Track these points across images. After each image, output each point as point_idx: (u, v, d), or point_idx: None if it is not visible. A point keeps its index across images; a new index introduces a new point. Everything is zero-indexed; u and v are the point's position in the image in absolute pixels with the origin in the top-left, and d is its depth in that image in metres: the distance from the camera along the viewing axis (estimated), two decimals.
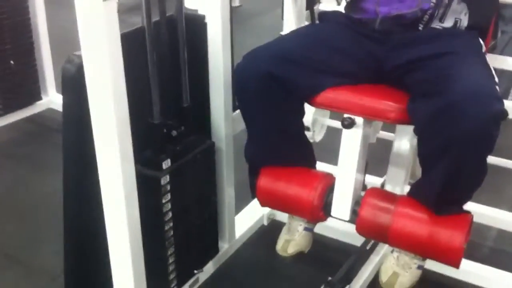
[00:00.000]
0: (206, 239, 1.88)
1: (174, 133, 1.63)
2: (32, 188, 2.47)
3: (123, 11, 4.23)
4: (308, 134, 2.04)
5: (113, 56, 1.30)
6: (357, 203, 1.56)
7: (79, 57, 1.37)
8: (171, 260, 1.69)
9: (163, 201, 1.60)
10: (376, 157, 1.74)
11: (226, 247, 1.98)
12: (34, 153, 2.76)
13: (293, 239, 1.72)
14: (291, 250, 1.71)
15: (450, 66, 1.39)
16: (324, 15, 1.74)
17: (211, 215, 1.87)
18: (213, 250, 1.94)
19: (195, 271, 1.83)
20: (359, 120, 1.51)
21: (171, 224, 1.65)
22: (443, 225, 1.44)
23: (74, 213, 1.61)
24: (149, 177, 1.57)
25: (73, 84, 1.44)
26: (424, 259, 1.57)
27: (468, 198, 1.48)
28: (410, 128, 1.70)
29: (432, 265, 1.77)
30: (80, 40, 1.31)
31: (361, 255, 1.90)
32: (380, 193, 1.59)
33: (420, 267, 1.57)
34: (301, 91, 1.53)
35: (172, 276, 1.72)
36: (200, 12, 1.71)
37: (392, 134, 1.83)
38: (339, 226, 1.99)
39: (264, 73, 1.48)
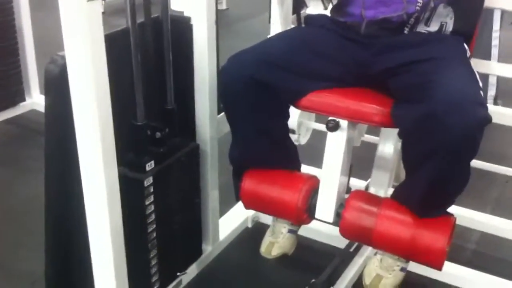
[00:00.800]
0: (190, 241, 1.87)
1: (158, 135, 1.62)
2: (14, 190, 2.44)
3: (110, 13, 4.23)
4: (293, 137, 2.05)
5: (96, 56, 1.29)
6: (341, 205, 1.56)
7: (63, 57, 1.36)
8: (153, 262, 1.68)
9: (146, 203, 1.59)
10: (360, 160, 1.75)
11: (209, 250, 1.97)
12: (16, 155, 2.74)
13: (277, 242, 1.72)
14: (275, 252, 1.72)
15: (434, 71, 1.40)
16: (310, 18, 1.74)
17: (194, 217, 1.87)
18: (197, 252, 1.93)
19: (178, 274, 1.82)
20: (343, 123, 1.52)
21: (154, 226, 1.64)
22: (426, 227, 1.45)
23: (55, 216, 1.60)
24: (132, 179, 1.56)
25: (56, 85, 1.43)
26: (407, 261, 1.57)
27: (451, 202, 1.49)
28: (394, 131, 1.71)
29: (415, 267, 1.78)
30: (63, 40, 1.30)
31: (345, 257, 1.90)
32: (364, 195, 1.59)
33: (403, 269, 1.58)
34: (285, 94, 1.53)
35: (154, 279, 1.71)
36: (186, 14, 1.70)
37: (376, 138, 1.84)
38: (323, 228, 1.99)
39: (248, 76, 1.48)
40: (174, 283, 1.82)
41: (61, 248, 1.63)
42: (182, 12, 1.72)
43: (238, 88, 1.51)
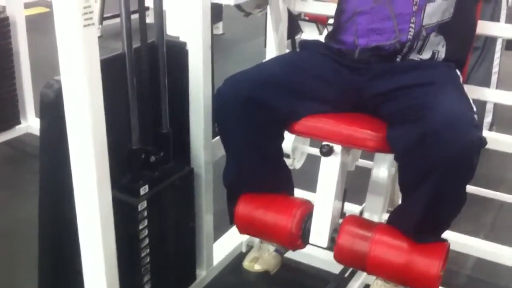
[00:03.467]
0: (183, 266, 1.86)
1: (152, 159, 1.62)
2: (7, 212, 2.43)
3: (107, 37, 4.25)
4: (288, 161, 2.05)
5: (92, 81, 1.30)
6: (335, 230, 1.56)
7: (58, 82, 1.36)
8: (147, 287, 1.67)
9: (140, 227, 1.59)
10: (354, 185, 1.75)
11: (203, 275, 1.96)
12: (11, 177, 2.73)
13: (261, 257, 1.70)
14: (258, 267, 1.69)
15: (428, 94, 1.41)
16: (305, 43, 1.76)
17: (188, 242, 1.86)
18: (190, 277, 1.92)
19: None
20: (337, 147, 1.52)
21: (148, 250, 1.63)
22: (420, 252, 1.44)
23: (49, 239, 1.59)
24: (126, 203, 1.56)
25: (51, 109, 1.44)
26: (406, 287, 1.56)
27: (446, 226, 1.49)
28: (389, 156, 1.72)
29: None
30: (59, 65, 1.31)
31: (339, 282, 1.89)
32: (358, 220, 1.59)
33: None
34: (280, 115, 1.54)
35: None
36: (182, 39, 1.72)
37: (370, 162, 1.85)
38: (317, 253, 1.99)
39: (244, 97, 1.49)
40: None
41: (54, 270, 1.62)
42: (178, 37, 1.73)
43: (233, 107, 1.51)
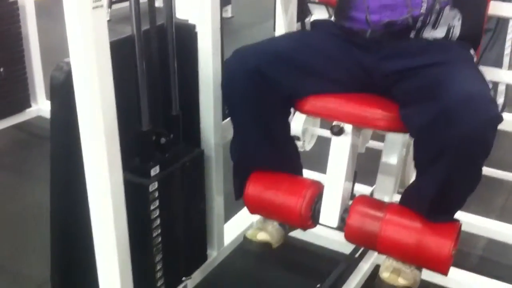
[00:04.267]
0: (195, 246, 1.87)
1: (163, 140, 1.62)
2: (19, 195, 2.45)
3: (116, 21, 4.25)
4: (298, 143, 2.05)
5: (101, 63, 1.30)
6: (346, 210, 1.56)
7: (68, 64, 1.36)
8: (158, 267, 1.68)
9: (151, 208, 1.59)
10: (365, 167, 1.75)
11: (214, 255, 1.97)
12: (22, 160, 2.75)
13: (265, 229, 1.68)
14: (261, 237, 1.66)
15: (443, 73, 1.40)
16: (316, 23, 1.74)
17: (199, 222, 1.87)
18: (202, 257, 1.93)
19: (183, 278, 1.82)
20: (348, 127, 1.52)
21: (159, 231, 1.64)
22: (431, 232, 1.44)
23: (61, 221, 1.60)
24: (137, 184, 1.56)
25: (61, 91, 1.44)
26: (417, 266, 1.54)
27: (460, 205, 1.47)
28: (399, 137, 1.72)
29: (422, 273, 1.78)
30: (69, 47, 1.31)
31: (350, 263, 1.90)
32: (369, 200, 1.59)
33: (419, 268, 1.54)
34: (286, 91, 1.53)
35: (159, 283, 1.70)
36: (191, 21, 1.71)
37: (381, 144, 1.84)
38: (327, 234, 2.00)
39: (252, 68, 1.48)
40: (179, 287, 1.82)
41: (67, 253, 1.63)
42: (187, 20, 1.73)
43: (241, 78, 1.50)
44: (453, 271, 1.86)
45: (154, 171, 1.59)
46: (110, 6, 4.63)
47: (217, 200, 1.90)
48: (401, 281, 1.47)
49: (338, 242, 1.94)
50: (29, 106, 2.99)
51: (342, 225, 1.55)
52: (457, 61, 1.47)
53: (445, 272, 1.46)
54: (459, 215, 1.50)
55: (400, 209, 1.51)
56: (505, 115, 2.22)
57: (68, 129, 1.44)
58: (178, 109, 1.69)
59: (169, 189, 1.65)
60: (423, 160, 1.43)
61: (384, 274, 1.50)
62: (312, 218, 1.59)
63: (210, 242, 1.96)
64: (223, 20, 1.76)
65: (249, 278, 2.00)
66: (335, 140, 1.54)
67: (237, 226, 2.13)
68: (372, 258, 1.92)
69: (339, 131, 1.51)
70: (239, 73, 1.50)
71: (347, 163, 1.54)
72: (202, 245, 1.92)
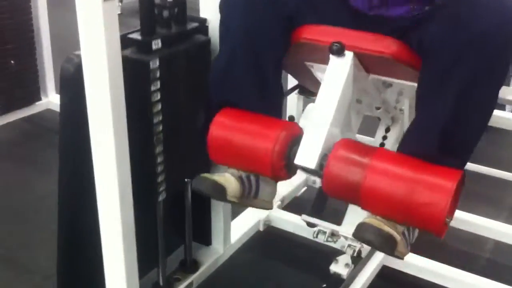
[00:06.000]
0: (197, 148, 1.56)
1: (166, 13, 1.48)
2: (28, 188, 2.46)
3: (127, 15, 4.24)
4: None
5: (111, 56, 1.30)
6: (326, 156, 1.30)
7: (78, 56, 1.37)
8: (159, 159, 1.53)
9: (152, 89, 1.46)
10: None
11: (221, 252, 1.97)
12: (31, 153, 2.76)
13: (223, 175, 1.43)
14: (216, 178, 1.40)
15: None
16: None
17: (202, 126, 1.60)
18: (207, 163, 1.64)
19: (186, 180, 1.68)
20: (349, 54, 1.31)
21: (160, 117, 1.49)
22: (425, 180, 1.21)
23: (69, 213, 1.60)
24: (137, 61, 1.43)
25: (71, 84, 1.44)
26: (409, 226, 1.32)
27: (471, 145, 1.30)
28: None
29: (429, 275, 1.77)
30: (79, 40, 1.31)
31: (357, 263, 1.89)
32: (354, 144, 1.31)
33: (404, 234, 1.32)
34: (286, 11, 1.41)
35: (160, 179, 1.56)
36: (202, 15, 1.70)
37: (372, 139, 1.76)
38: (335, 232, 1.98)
39: None
40: (185, 283, 1.81)
41: (74, 245, 1.63)
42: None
43: None
44: (461, 273, 1.86)
45: (156, 44, 1.44)
46: (121, 0, 4.63)
47: None
48: (386, 228, 1.24)
49: (346, 242, 1.93)
50: (39, 99, 2.99)
51: (322, 171, 1.30)
52: None
53: (439, 233, 1.23)
54: (468, 217, 1.45)
55: (391, 154, 1.31)
56: None
57: (77, 122, 1.44)
58: None
59: (172, 70, 1.50)
60: (432, 83, 1.26)
61: (366, 219, 1.28)
62: (285, 163, 1.35)
63: (216, 238, 1.95)
64: None
65: (256, 276, 2.00)
66: (333, 60, 1.30)
67: (244, 224, 2.13)
68: (379, 259, 1.91)
69: (339, 49, 1.28)
70: None
71: (341, 94, 1.30)
72: (204, 151, 1.51)
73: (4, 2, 2.69)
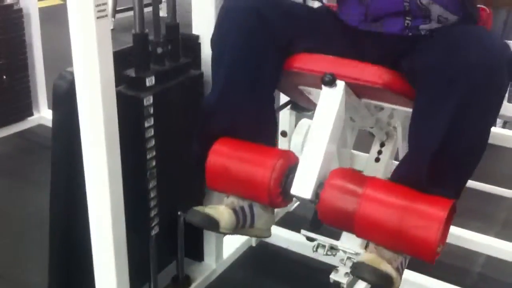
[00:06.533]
0: (191, 180, 1.67)
1: (159, 50, 1.50)
2: (19, 203, 2.45)
3: (119, 30, 4.26)
4: (284, 140, 1.98)
5: (105, 73, 1.31)
6: (322, 185, 1.32)
7: (71, 73, 1.37)
8: (152, 194, 1.55)
9: (146, 125, 1.47)
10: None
11: (213, 267, 1.96)
12: (22, 168, 2.75)
13: (217, 208, 1.43)
14: (209, 211, 1.39)
15: (449, 32, 1.33)
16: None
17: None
18: (198, 195, 1.72)
19: (179, 213, 1.69)
20: (340, 83, 1.33)
21: (153, 153, 1.51)
22: (417, 209, 1.23)
23: (60, 229, 1.60)
24: (131, 97, 1.44)
25: (64, 101, 1.44)
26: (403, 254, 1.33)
27: (462, 178, 1.31)
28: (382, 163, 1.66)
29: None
30: (72, 56, 1.32)
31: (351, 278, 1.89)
32: (348, 173, 1.35)
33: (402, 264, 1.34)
34: (281, 39, 1.43)
35: (153, 213, 1.58)
36: (195, 32, 1.71)
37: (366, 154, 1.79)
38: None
39: (251, 6, 1.40)
40: None
41: (65, 260, 1.63)
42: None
43: (237, 15, 1.40)
44: None
45: (150, 82, 1.46)
46: (113, 15, 4.65)
47: None
48: (383, 267, 1.26)
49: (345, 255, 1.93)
50: (31, 114, 2.99)
51: (317, 201, 1.32)
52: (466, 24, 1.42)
53: (431, 260, 1.24)
54: (458, 231, 1.46)
55: (384, 183, 1.33)
56: (505, 131, 2.23)
57: (69, 138, 1.44)
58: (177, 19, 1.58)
59: (166, 106, 1.53)
60: (424, 114, 1.27)
61: (364, 257, 1.30)
62: (281, 191, 1.37)
63: (209, 254, 1.95)
64: None
65: None
66: (325, 91, 1.33)
67: (237, 239, 2.12)
68: None
69: (331, 80, 1.31)
70: (237, 8, 1.41)
71: (333, 124, 1.33)
72: (199, 182, 1.61)
73: None
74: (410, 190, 1.28)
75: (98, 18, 1.25)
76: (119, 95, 1.37)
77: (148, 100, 1.46)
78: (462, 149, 1.25)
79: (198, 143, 1.47)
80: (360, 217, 1.26)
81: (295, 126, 2.17)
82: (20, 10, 2.81)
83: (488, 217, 2.41)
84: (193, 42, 1.70)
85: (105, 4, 1.27)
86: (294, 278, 2.05)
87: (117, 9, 4.74)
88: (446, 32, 1.35)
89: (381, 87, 1.34)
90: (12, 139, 2.93)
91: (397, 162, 1.41)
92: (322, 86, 1.33)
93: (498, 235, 2.20)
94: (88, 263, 1.51)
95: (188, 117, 1.62)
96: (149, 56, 1.50)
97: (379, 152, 1.66)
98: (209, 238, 1.92)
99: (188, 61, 1.64)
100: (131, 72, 1.47)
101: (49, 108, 3.01)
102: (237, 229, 1.45)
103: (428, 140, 1.25)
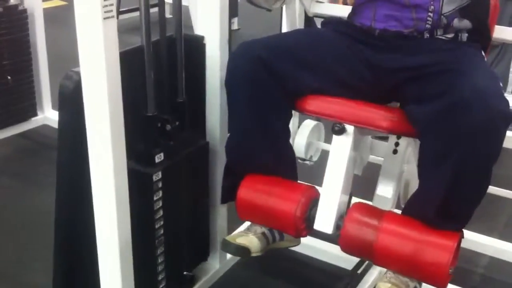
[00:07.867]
0: (197, 241, 1.83)
1: (168, 127, 1.57)
2: (24, 204, 2.45)
3: (124, 31, 4.30)
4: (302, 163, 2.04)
5: (111, 73, 1.31)
6: (342, 217, 1.50)
7: (77, 73, 1.38)
8: (160, 259, 1.64)
9: (155, 198, 1.56)
10: (363, 182, 1.74)
11: (217, 267, 1.97)
12: (27, 169, 2.75)
13: (247, 235, 1.62)
14: (240, 241, 1.59)
15: (454, 69, 1.38)
16: (327, 22, 1.75)
17: (202, 218, 1.83)
18: (204, 254, 1.89)
19: (185, 273, 1.78)
20: (349, 128, 1.50)
21: (162, 222, 1.60)
22: (429, 242, 1.39)
23: (65, 229, 1.60)
24: (141, 173, 1.52)
25: (71, 101, 1.45)
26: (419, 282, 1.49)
27: (468, 213, 1.42)
28: (399, 155, 1.71)
29: None
30: (79, 57, 1.32)
31: (353, 279, 1.89)
32: (366, 208, 1.52)
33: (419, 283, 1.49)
34: (289, 86, 1.51)
35: (161, 276, 1.67)
36: (199, 33, 1.72)
37: (380, 158, 1.83)
38: (331, 249, 1.99)
39: (256, 59, 1.47)
40: None
41: (70, 262, 1.63)
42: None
43: (245, 69, 1.48)
44: None
45: (159, 158, 1.55)
46: (117, 16, 4.66)
47: (220, 210, 1.90)
48: None
49: (342, 258, 1.94)
50: (35, 114, 3.00)
51: (338, 232, 1.49)
52: (469, 58, 1.46)
53: (444, 285, 1.41)
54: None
55: (399, 217, 1.46)
56: (508, 132, 2.23)
57: (75, 138, 1.45)
58: (184, 96, 1.66)
59: (173, 179, 1.61)
60: (429, 161, 1.38)
61: (381, 284, 1.44)
62: (306, 225, 1.54)
63: (213, 254, 1.95)
64: (230, 32, 1.77)
65: None
66: (335, 140, 1.50)
67: None
68: (375, 274, 1.92)
69: (340, 130, 1.48)
70: (244, 62, 1.48)
71: (346, 165, 1.50)
72: (204, 240, 1.86)
73: (1, 18, 2.70)
74: (422, 224, 1.42)
75: (105, 18, 1.26)
76: (129, 170, 1.45)
77: (157, 175, 1.55)
78: (467, 191, 1.35)
79: (224, 179, 1.65)
80: (379, 248, 1.42)
81: (299, 127, 2.20)
82: (25, 10, 2.81)
83: (491, 218, 2.41)
84: (198, 43, 1.70)
85: (112, 5, 1.27)
86: (297, 278, 2.06)
87: (121, 10, 4.75)
88: (453, 67, 1.40)
89: (387, 132, 1.52)
90: (16, 139, 2.94)
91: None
92: (333, 134, 1.49)
93: (502, 237, 2.20)
94: (93, 263, 1.52)
95: (195, 182, 1.74)
96: (157, 134, 1.57)
97: (396, 144, 1.75)
98: (213, 238, 1.93)
99: (195, 134, 1.74)
100: (141, 149, 1.55)
101: (53, 108, 3.02)
102: (268, 247, 1.65)
103: (434, 188, 1.36)
